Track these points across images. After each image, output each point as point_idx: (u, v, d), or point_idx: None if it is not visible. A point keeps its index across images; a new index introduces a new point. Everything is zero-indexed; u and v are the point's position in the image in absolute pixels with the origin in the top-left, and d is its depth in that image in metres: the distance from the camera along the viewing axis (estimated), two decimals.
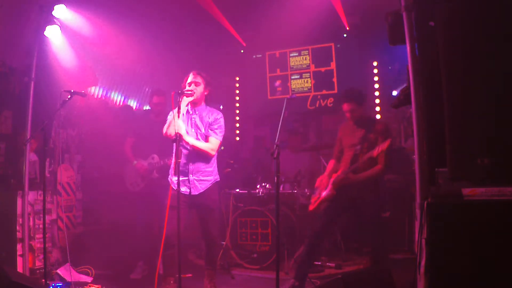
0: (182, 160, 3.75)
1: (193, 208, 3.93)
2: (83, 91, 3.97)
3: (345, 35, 6.55)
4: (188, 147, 3.80)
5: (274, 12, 5.56)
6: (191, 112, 3.91)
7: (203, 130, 3.87)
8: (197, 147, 3.77)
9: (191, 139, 3.77)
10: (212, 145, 3.82)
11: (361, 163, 3.83)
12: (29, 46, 4.42)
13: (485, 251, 2.17)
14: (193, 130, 3.86)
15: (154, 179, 4.81)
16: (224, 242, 5.06)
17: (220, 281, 4.27)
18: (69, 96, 3.84)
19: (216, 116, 3.89)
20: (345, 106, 4.02)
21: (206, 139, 3.86)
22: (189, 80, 3.89)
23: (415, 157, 2.79)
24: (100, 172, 5.60)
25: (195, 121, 3.88)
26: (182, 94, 3.57)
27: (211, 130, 3.87)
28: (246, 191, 5.43)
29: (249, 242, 5.03)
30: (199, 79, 3.89)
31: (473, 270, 2.19)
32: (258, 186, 5.29)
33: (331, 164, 4.30)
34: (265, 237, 4.96)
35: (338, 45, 6.61)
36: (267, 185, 5.26)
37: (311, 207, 4.25)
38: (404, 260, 4.71)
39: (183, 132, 3.62)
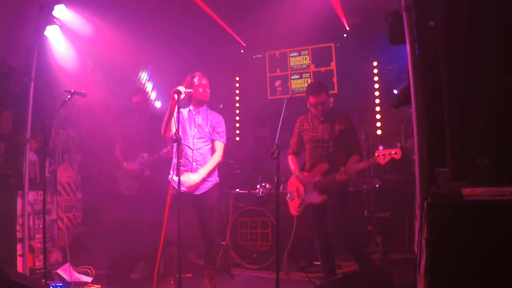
0: (186, 161, 3.86)
1: (194, 207, 3.97)
2: (83, 91, 3.96)
3: (345, 35, 6.55)
4: (192, 148, 3.87)
5: (274, 12, 5.55)
6: (194, 113, 3.99)
7: (206, 130, 3.93)
8: (212, 168, 3.90)
9: (204, 171, 3.85)
10: (219, 151, 3.96)
11: (361, 168, 3.82)
12: (29, 46, 4.42)
13: (485, 251, 2.17)
14: (196, 129, 3.93)
15: (146, 177, 4.84)
16: (224, 242, 5.06)
17: (220, 281, 4.27)
18: (69, 96, 3.84)
19: (219, 119, 4.02)
20: (321, 98, 3.95)
21: (209, 138, 3.95)
22: (203, 82, 3.93)
23: (415, 157, 2.78)
24: (100, 172, 5.60)
25: (198, 122, 3.95)
26: (179, 93, 3.51)
27: (216, 133, 3.97)
28: (246, 191, 5.43)
29: (249, 242, 5.03)
30: (206, 81, 3.97)
31: (473, 270, 2.19)
32: (258, 186, 5.29)
33: (293, 161, 4.20)
34: (265, 237, 4.96)
35: (338, 45, 6.61)
36: (267, 185, 5.26)
37: (295, 213, 4.20)
38: (404, 260, 4.71)
39: (192, 182, 3.75)
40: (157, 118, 5.10)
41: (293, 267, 4.70)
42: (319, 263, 4.73)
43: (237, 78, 7.50)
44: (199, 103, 3.98)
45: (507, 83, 2.22)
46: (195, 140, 3.90)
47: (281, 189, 5.21)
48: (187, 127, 3.92)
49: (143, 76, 6.40)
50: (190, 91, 3.76)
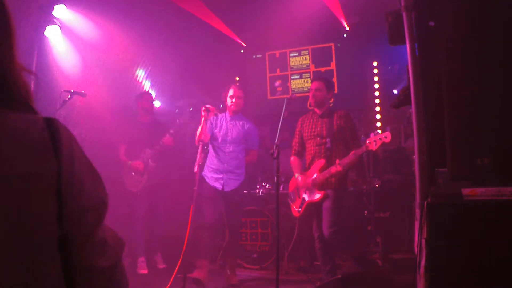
0: (218, 162, 4.36)
1: (223, 203, 4.36)
2: (83, 91, 3.98)
3: (345, 35, 6.55)
4: (224, 150, 4.37)
5: (274, 12, 5.56)
6: (228, 119, 4.47)
7: (238, 135, 4.43)
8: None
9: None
10: (254, 156, 4.60)
11: (355, 156, 3.76)
12: (29, 46, 4.42)
13: (485, 251, 2.17)
14: (228, 135, 4.41)
15: (151, 169, 4.98)
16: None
17: (220, 281, 4.28)
18: (69, 96, 3.86)
19: (252, 128, 4.52)
20: (314, 84, 4.11)
21: (240, 143, 4.44)
22: (231, 94, 4.42)
23: (415, 157, 2.78)
24: (100, 172, 5.59)
25: (231, 128, 4.44)
26: (208, 111, 4.06)
27: (252, 143, 4.53)
28: (246, 191, 5.43)
29: (249, 242, 5.03)
30: (242, 93, 4.46)
31: (473, 270, 2.19)
32: (258, 186, 5.29)
33: (295, 162, 4.23)
34: (265, 237, 4.96)
35: (338, 45, 6.61)
36: (267, 185, 5.26)
37: (297, 214, 4.19)
38: (404, 260, 4.71)
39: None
40: (160, 121, 5.24)
41: (293, 267, 4.71)
42: (319, 263, 4.74)
43: (237, 78, 7.49)
44: (232, 112, 4.47)
45: (508, 82, 2.22)
46: (227, 144, 4.36)
47: (281, 189, 5.21)
48: (222, 132, 4.39)
49: (140, 73, 6.41)
50: (217, 113, 4.33)
